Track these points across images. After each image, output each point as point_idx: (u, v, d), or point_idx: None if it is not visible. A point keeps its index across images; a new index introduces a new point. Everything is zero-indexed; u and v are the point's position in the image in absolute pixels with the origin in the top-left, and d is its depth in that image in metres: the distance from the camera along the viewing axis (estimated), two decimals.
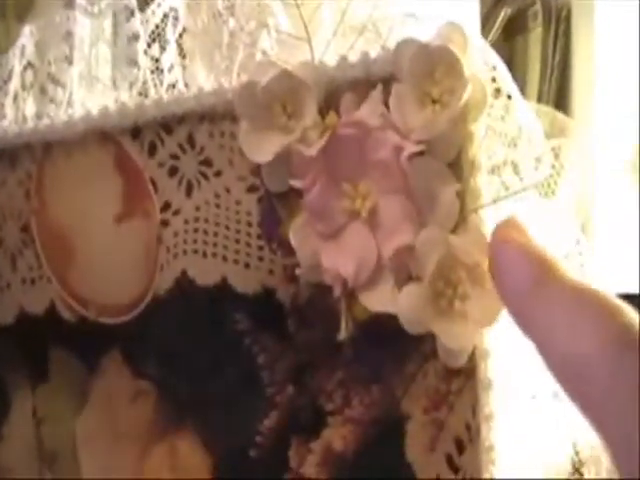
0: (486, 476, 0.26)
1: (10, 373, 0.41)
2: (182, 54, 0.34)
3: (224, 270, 0.31)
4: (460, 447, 0.28)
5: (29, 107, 0.38)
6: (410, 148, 0.25)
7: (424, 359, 0.28)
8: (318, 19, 0.29)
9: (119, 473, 0.37)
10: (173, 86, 0.33)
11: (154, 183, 0.33)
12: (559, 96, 0.54)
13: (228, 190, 0.31)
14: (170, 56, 0.34)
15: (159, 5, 0.34)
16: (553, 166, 0.28)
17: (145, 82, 0.34)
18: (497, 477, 0.26)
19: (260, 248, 0.31)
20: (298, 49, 0.28)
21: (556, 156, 0.28)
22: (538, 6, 0.54)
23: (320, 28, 0.29)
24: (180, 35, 0.34)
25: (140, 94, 0.34)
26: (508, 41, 0.55)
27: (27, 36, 0.38)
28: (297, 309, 0.30)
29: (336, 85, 0.27)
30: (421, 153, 0.25)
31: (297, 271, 0.28)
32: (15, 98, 0.38)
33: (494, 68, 0.26)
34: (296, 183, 0.27)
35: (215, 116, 0.31)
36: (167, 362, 0.35)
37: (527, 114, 0.27)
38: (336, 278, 0.27)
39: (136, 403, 0.36)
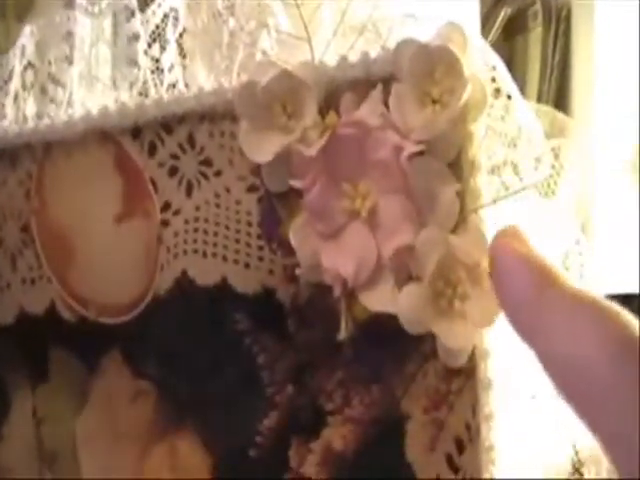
0: (486, 476, 0.26)
1: (10, 373, 0.41)
2: (182, 54, 0.34)
3: (224, 270, 0.31)
4: (460, 447, 0.28)
5: (29, 107, 0.38)
6: (410, 148, 0.25)
7: (424, 359, 0.28)
8: (318, 19, 0.29)
9: (119, 473, 0.37)
10: (173, 86, 0.34)
11: (154, 183, 0.33)
12: (559, 96, 0.54)
13: (228, 190, 0.31)
14: (170, 56, 0.34)
15: (159, 5, 0.34)
16: (553, 166, 0.28)
17: (145, 82, 0.34)
18: (497, 477, 0.26)
19: (260, 248, 0.31)
20: (298, 49, 0.28)
21: (556, 156, 0.28)
22: (538, 6, 0.54)
23: (320, 28, 0.29)
24: (180, 35, 0.34)
25: (140, 94, 0.34)
26: (508, 41, 0.55)
27: (27, 36, 0.38)
28: (297, 309, 0.30)
29: (336, 85, 0.27)
30: (421, 153, 0.25)
31: (297, 271, 0.28)
32: (15, 98, 0.38)
33: (494, 68, 0.26)
34: (296, 183, 0.27)
35: (215, 116, 0.31)
36: (167, 362, 0.35)
37: (527, 114, 0.27)
38: (336, 278, 0.27)
39: (136, 403, 0.36)
